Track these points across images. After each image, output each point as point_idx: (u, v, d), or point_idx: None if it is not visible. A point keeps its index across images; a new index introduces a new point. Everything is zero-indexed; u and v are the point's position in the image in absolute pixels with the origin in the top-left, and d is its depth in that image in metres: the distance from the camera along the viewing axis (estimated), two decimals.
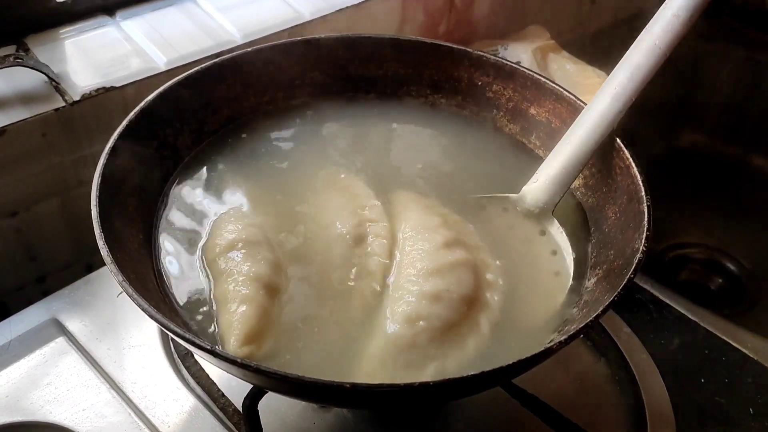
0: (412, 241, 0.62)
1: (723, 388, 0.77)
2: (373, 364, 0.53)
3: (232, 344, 0.53)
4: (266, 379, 0.46)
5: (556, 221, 0.64)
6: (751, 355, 0.81)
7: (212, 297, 0.58)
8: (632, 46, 0.65)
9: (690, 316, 0.85)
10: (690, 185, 1.44)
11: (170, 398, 0.66)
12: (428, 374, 0.52)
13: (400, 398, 0.47)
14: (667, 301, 0.86)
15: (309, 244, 0.63)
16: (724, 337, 0.82)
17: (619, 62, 0.65)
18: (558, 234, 0.64)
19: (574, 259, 0.63)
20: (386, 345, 0.54)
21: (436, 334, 0.55)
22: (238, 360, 0.44)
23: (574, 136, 0.64)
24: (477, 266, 0.61)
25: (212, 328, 0.57)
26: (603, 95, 0.64)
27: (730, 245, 1.34)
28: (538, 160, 0.69)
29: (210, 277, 0.60)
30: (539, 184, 0.65)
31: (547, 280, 0.62)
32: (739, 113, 1.48)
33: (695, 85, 1.48)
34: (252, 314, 0.55)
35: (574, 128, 0.64)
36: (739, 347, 0.81)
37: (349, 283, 0.60)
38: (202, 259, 0.61)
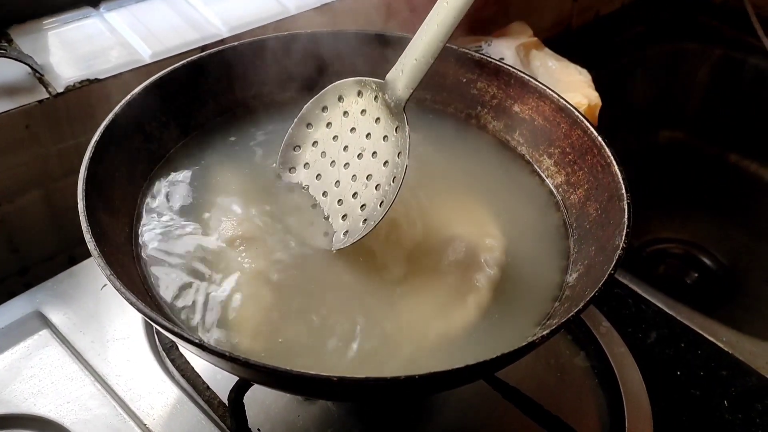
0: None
1: (698, 381, 0.79)
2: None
3: (245, 339, 0.54)
4: (254, 372, 0.47)
5: (405, 118, 0.62)
6: (726, 349, 0.83)
7: (212, 293, 0.59)
8: None
9: (667, 311, 0.86)
10: (668, 182, 1.46)
11: (155, 391, 0.66)
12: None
13: (385, 391, 0.47)
14: (645, 296, 0.88)
15: (306, 238, 0.64)
16: (699, 331, 0.84)
17: None
18: (403, 134, 0.62)
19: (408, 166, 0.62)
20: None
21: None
22: (227, 353, 0.45)
23: (429, 27, 0.61)
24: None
25: (197, 320, 0.57)
26: None
27: (707, 241, 1.37)
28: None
29: (206, 272, 0.60)
30: (396, 72, 0.62)
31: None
32: (716, 111, 1.51)
33: (673, 83, 1.51)
34: (261, 309, 0.56)
35: (430, 18, 0.62)
36: (715, 341, 0.83)
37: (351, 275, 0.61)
38: (196, 255, 0.61)
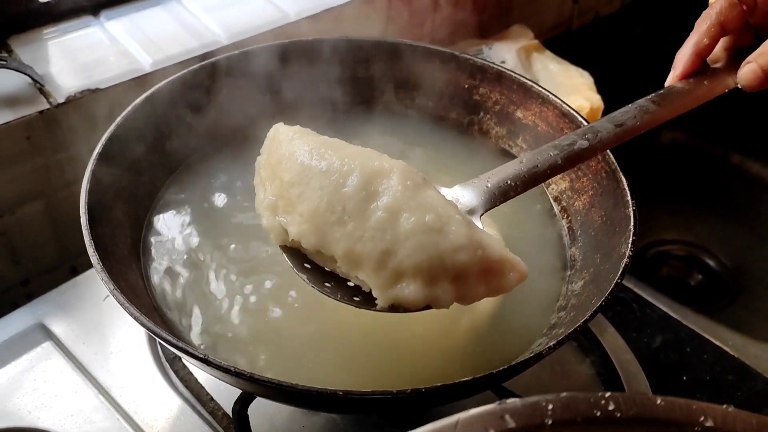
0: None
1: (705, 385, 0.79)
2: None
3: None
4: (260, 387, 0.47)
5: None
6: (731, 353, 0.82)
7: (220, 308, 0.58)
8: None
9: (672, 315, 0.86)
10: (670, 183, 1.46)
11: (159, 402, 0.66)
12: None
13: (391, 404, 0.47)
14: (650, 300, 0.87)
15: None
16: (705, 335, 0.84)
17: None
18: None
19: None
20: None
21: None
22: (232, 368, 0.44)
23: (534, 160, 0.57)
24: None
25: (200, 329, 0.57)
26: (576, 132, 0.59)
27: (710, 242, 1.36)
28: None
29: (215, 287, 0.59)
30: (480, 186, 0.56)
31: None
32: (718, 112, 1.50)
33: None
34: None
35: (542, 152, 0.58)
36: (720, 345, 0.83)
37: None
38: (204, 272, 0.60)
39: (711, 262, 1.34)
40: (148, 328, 0.46)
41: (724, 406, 0.34)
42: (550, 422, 0.33)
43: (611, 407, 0.34)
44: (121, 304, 0.48)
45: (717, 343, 0.83)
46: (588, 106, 0.99)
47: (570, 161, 0.57)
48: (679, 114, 0.60)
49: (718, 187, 1.47)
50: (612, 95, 1.07)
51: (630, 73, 1.44)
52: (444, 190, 0.56)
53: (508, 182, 0.56)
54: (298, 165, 0.52)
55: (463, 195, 0.56)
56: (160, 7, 0.90)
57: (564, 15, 1.37)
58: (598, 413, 0.34)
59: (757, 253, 1.35)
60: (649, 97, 0.61)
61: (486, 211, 0.55)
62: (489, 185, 0.56)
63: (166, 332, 0.46)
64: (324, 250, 0.51)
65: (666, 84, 0.63)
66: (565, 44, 1.35)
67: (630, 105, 0.60)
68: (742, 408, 0.74)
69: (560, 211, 0.68)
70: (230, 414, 0.63)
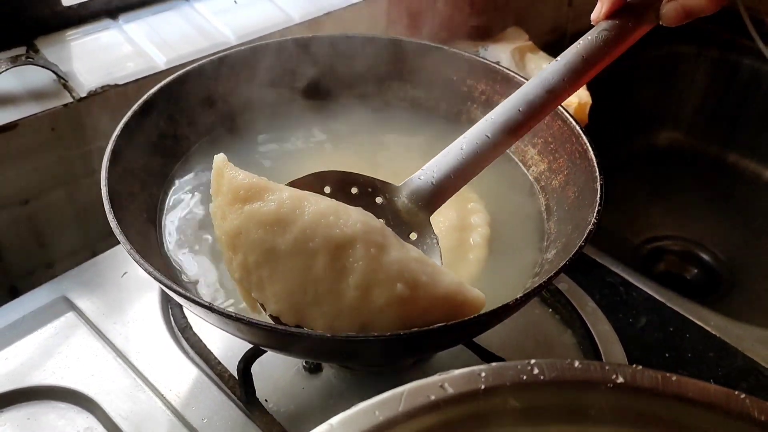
0: None
1: (686, 362, 0.83)
2: None
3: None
4: (256, 332, 0.52)
5: (431, 227, 0.60)
6: (714, 333, 0.86)
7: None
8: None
9: (657, 297, 0.90)
10: (667, 181, 1.50)
11: (171, 365, 0.72)
12: None
13: (374, 347, 0.52)
14: (637, 284, 0.92)
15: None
16: (688, 316, 0.88)
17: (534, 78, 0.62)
18: (429, 241, 0.60)
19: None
20: None
21: None
22: (233, 314, 0.50)
23: (473, 144, 0.61)
24: None
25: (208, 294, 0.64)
26: (509, 103, 0.61)
27: (706, 237, 1.40)
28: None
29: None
30: (426, 181, 0.60)
31: None
32: (713, 112, 1.55)
33: (672, 85, 1.55)
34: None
35: (479, 130, 0.62)
36: (703, 325, 0.87)
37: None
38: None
39: (707, 257, 1.38)
40: (158, 280, 0.52)
41: (634, 365, 0.40)
42: (483, 387, 0.39)
43: (536, 372, 0.40)
44: (136, 261, 0.54)
45: (700, 323, 0.88)
46: (576, 100, 1.04)
47: (509, 136, 0.60)
48: (606, 66, 0.61)
49: (714, 185, 1.51)
50: (610, 96, 1.12)
51: (628, 75, 1.49)
52: (394, 189, 0.60)
53: (451, 176, 0.60)
54: (260, 244, 0.53)
55: (413, 193, 0.60)
56: (173, 11, 0.97)
57: (560, 19, 1.43)
58: (525, 377, 0.39)
59: (751, 248, 1.39)
60: (577, 48, 0.61)
61: (434, 211, 0.60)
62: (434, 181, 0.60)
63: (174, 284, 0.52)
64: (304, 325, 0.54)
65: (592, 19, 0.62)
66: (560, 47, 1.40)
67: (560, 61, 0.61)
68: (723, 383, 0.81)
69: (540, 190, 0.74)
70: (236, 376, 0.69)
